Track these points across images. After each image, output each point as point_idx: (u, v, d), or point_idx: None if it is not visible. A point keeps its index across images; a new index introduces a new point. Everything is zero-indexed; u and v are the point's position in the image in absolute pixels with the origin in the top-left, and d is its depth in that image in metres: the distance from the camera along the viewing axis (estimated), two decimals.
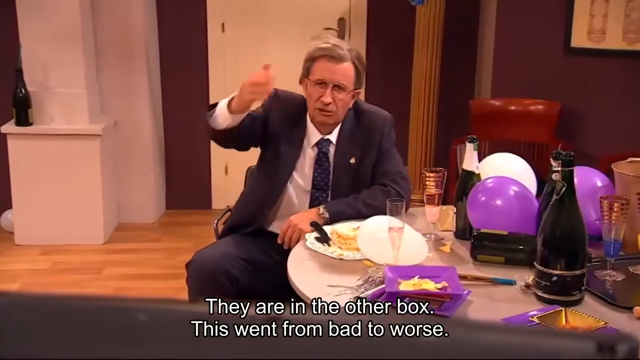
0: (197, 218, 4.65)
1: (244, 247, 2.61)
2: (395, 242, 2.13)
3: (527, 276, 2.07)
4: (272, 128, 2.68)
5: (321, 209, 2.55)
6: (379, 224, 2.19)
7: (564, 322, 1.85)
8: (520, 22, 4.21)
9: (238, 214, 2.77)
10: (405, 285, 1.98)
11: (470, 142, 2.40)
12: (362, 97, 4.65)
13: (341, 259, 2.23)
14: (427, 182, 2.37)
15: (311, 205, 2.65)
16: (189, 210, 4.81)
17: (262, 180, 2.72)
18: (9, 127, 4.23)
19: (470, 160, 2.40)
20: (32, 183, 4.26)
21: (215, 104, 2.58)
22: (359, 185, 2.66)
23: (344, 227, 2.39)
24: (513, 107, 4.20)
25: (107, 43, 4.47)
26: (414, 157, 4.49)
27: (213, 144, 4.72)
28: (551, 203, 2.00)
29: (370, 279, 2.06)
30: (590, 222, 2.25)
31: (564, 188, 1.97)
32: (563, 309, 1.88)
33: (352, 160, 2.67)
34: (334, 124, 2.67)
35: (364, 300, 1.94)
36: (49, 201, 4.29)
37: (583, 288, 1.98)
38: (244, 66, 4.78)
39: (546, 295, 1.97)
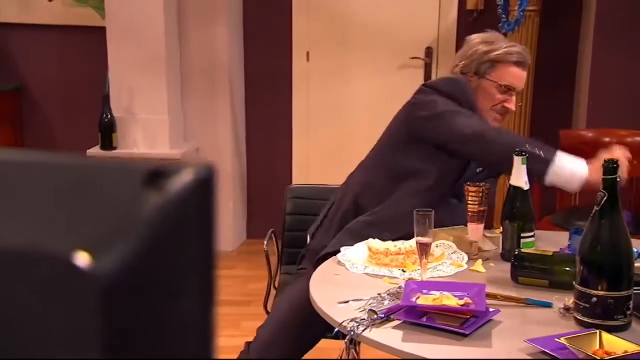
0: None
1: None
2: (421, 257, 1.98)
3: (567, 299, 1.86)
4: None
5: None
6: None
7: (597, 346, 1.63)
8: (619, 47, 3.96)
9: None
10: (425, 300, 1.82)
11: (518, 155, 2.21)
12: None
13: (366, 274, 2.10)
14: (469, 198, 2.20)
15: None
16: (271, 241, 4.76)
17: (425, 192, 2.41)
18: (95, 151, 4.34)
19: (518, 175, 2.20)
20: None
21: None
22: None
23: (379, 243, 2.25)
24: (607, 139, 3.90)
25: (193, 71, 4.54)
26: (501, 187, 4.27)
27: (296, 175, 4.73)
28: (591, 215, 1.79)
29: (386, 294, 1.91)
30: None
31: (605, 198, 1.76)
32: (598, 332, 1.66)
33: (478, 170, 2.51)
34: None
35: (375, 313, 1.79)
36: None
37: (629, 313, 1.76)
38: (328, 95, 4.76)
39: (586, 319, 1.75)
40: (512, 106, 2.49)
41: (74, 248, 0.39)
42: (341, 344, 1.94)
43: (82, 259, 0.39)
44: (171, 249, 0.44)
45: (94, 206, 0.43)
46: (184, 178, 0.44)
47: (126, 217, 0.42)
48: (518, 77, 2.49)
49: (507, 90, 2.47)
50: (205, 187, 0.45)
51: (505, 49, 2.48)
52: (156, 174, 0.43)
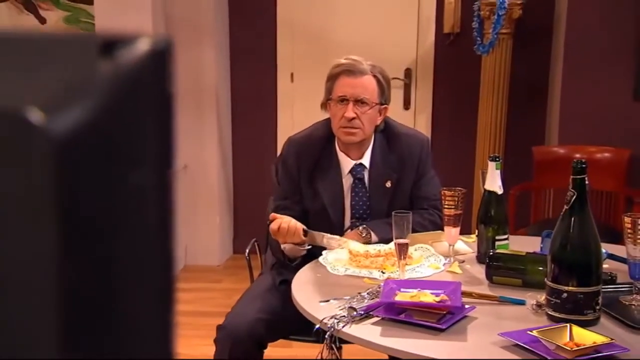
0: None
1: (278, 302, 2.48)
2: (399, 257, 2.06)
3: (539, 296, 1.93)
4: (305, 177, 2.57)
5: (363, 231, 2.44)
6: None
7: (567, 338, 1.71)
8: (588, 68, 4.09)
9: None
10: (402, 297, 1.90)
11: (492, 160, 2.30)
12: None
13: (347, 275, 2.17)
14: (445, 203, 2.28)
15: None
16: (256, 255, 4.81)
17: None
18: None
19: (492, 179, 2.29)
20: None
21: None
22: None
23: (359, 246, 2.32)
24: (578, 155, 4.01)
25: (181, 91, 4.61)
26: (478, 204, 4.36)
27: None
28: (561, 214, 1.88)
29: (366, 293, 1.98)
30: None
31: (574, 197, 1.85)
32: (568, 325, 1.74)
33: (388, 184, 2.53)
34: (362, 143, 2.53)
35: (354, 310, 1.86)
36: None
37: (598, 307, 1.84)
38: (312, 115, 4.82)
39: (557, 314, 1.83)
40: (348, 113, 2.45)
41: (27, 105, 0.39)
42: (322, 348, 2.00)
43: (36, 116, 0.39)
44: (126, 115, 0.45)
45: (48, 73, 0.43)
46: (140, 48, 0.45)
47: (81, 83, 0.42)
48: (347, 84, 2.47)
49: (342, 101, 2.47)
50: (161, 57, 0.46)
51: (333, 64, 2.54)
52: (111, 43, 0.44)
